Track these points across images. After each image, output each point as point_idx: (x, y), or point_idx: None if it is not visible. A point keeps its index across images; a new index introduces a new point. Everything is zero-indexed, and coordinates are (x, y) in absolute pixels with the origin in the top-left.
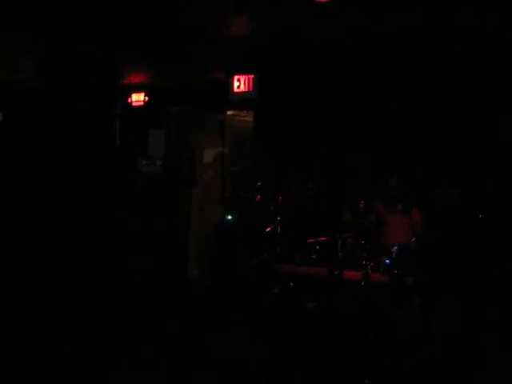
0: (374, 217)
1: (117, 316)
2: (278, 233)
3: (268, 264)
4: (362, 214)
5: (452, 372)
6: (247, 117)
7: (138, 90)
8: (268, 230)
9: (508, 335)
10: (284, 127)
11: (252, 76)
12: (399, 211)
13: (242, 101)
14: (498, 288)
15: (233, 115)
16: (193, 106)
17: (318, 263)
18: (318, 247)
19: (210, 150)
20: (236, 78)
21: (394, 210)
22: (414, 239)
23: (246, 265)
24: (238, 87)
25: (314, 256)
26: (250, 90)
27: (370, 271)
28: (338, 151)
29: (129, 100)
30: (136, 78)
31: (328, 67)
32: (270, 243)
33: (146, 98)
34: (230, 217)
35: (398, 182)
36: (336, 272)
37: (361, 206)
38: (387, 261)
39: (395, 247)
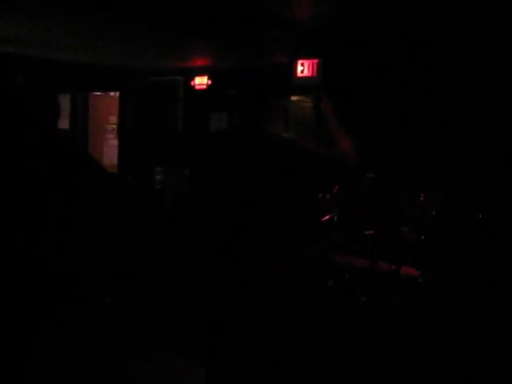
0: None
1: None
2: (334, 223)
3: (324, 255)
4: (423, 207)
5: None
6: (310, 102)
7: (201, 73)
8: (324, 219)
9: None
10: (346, 114)
11: (316, 61)
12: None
13: (305, 85)
14: None
15: (298, 100)
16: (256, 90)
17: (374, 256)
18: (377, 239)
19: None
20: (300, 62)
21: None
22: None
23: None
24: (302, 72)
25: (370, 248)
26: (314, 74)
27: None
28: (400, 140)
29: (192, 83)
30: (199, 62)
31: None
32: (326, 233)
33: (209, 82)
34: None
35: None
36: (393, 267)
37: (421, 198)
38: None
39: None
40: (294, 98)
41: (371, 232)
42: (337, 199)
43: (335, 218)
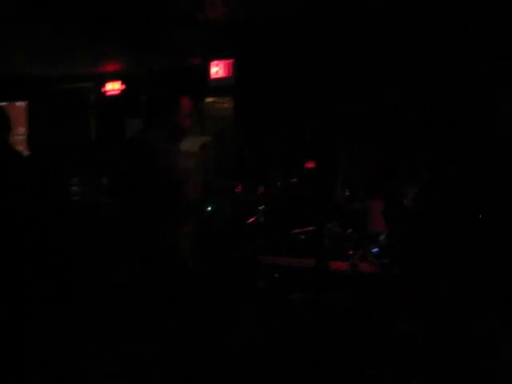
0: (361, 204)
1: None
2: (261, 223)
3: (251, 256)
4: (351, 201)
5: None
6: (226, 104)
7: (113, 79)
8: (251, 220)
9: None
10: (265, 114)
11: (231, 61)
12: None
13: (220, 87)
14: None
15: (212, 102)
16: (171, 93)
17: (303, 254)
18: (303, 237)
19: (190, 139)
20: (214, 63)
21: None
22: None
23: (227, 257)
24: (217, 73)
25: (299, 247)
26: (229, 75)
27: (357, 261)
28: (324, 137)
29: (103, 89)
30: (111, 66)
31: (310, 52)
32: (252, 235)
33: (123, 87)
34: (209, 208)
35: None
36: (323, 262)
37: (347, 193)
38: (375, 249)
39: (382, 235)
40: (209, 99)
41: (299, 230)
42: (262, 200)
43: (261, 219)
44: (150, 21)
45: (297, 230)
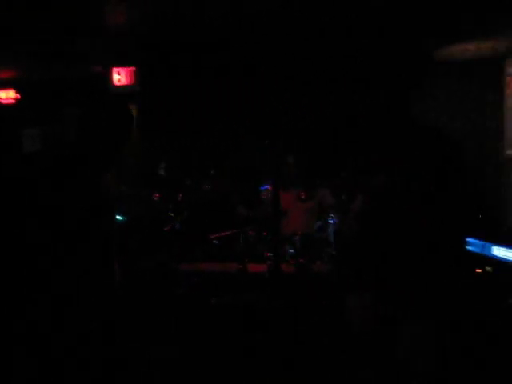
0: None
1: None
2: (177, 231)
3: (167, 264)
4: (258, 205)
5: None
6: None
7: (6, 87)
8: (166, 229)
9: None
10: (171, 121)
11: (133, 68)
12: (300, 198)
13: (123, 95)
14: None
15: None
16: (72, 101)
17: (221, 259)
18: (219, 242)
19: None
20: (116, 70)
21: (294, 198)
22: (318, 226)
23: (141, 267)
24: (119, 80)
25: (216, 252)
26: (132, 83)
27: (274, 262)
28: (228, 143)
29: None
30: (2, 73)
31: (213, 58)
32: (168, 242)
33: (18, 96)
34: (120, 217)
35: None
36: (240, 266)
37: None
38: (291, 250)
39: (297, 236)
40: None
41: (215, 235)
42: (179, 207)
43: (177, 226)
44: (47, 27)
45: (212, 236)
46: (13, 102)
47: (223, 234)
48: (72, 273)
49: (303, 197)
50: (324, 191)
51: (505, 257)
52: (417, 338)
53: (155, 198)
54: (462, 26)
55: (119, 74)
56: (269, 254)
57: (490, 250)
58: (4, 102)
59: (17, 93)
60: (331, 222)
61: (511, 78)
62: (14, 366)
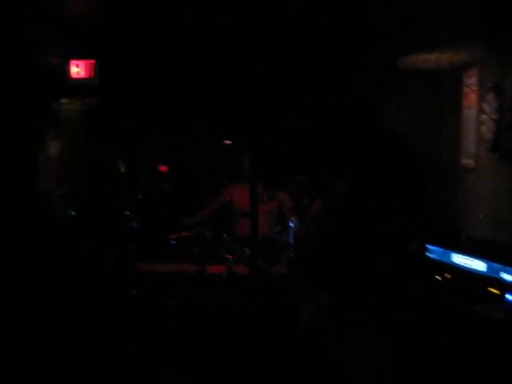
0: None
1: None
2: (134, 230)
3: (122, 264)
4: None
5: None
6: (83, 105)
7: None
8: (124, 228)
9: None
10: (129, 116)
11: (93, 61)
12: (261, 200)
13: (81, 88)
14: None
15: (68, 103)
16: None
17: (178, 260)
18: (177, 243)
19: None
20: (74, 62)
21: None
22: (278, 229)
23: (95, 266)
24: (78, 73)
25: (173, 252)
26: (91, 76)
27: (232, 264)
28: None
29: None
30: None
31: (175, 51)
32: (125, 242)
33: None
34: (73, 213)
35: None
36: (198, 268)
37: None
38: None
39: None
40: (65, 100)
41: (174, 235)
42: (137, 206)
43: (135, 225)
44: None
45: (172, 236)
46: None
47: (183, 234)
48: None
49: (265, 199)
50: (283, 194)
51: (464, 264)
52: (367, 349)
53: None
54: (425, 36)
55: (77, 67)
56: (227, 256)
57: (449, 257)
58: None
59: None
60: (291, 225)
61: (468, 90)
62: None
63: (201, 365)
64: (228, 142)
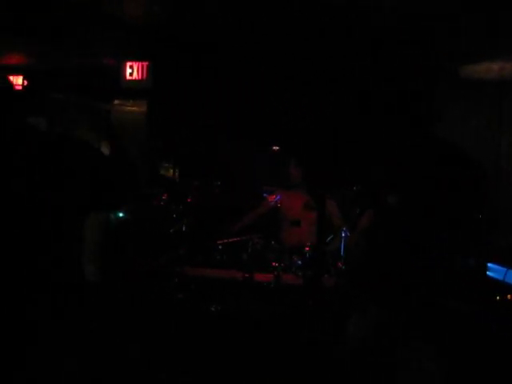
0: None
1: None
2: (183, 234)
3: (171, 267)
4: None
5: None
6: (135, 107)
7: (15, 73)
8: (172, 230)
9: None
10: (181, 119)
11: (146, 63)
12: (307, 206)
13: (134, 89)
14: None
15: (120, 105)
16: (79, 93)
17: (226, 266)
18: (227, 249)
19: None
20: (128, 64)
21: (302, 206)
22: (330, 238)
23: (142, 268)
24: (131, 75)
25: (222, 258)
26: (144, 78)
27: (280, 272)
28: (239, 144)
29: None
30: (12, 59)
31: (225, 56)
32: (173, 245)
33: (25, 82)
34: (121, 214)
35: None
36: (246, 275)
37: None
38: (299, 262)
39: (306, 248)
40: (118, 102)
41: (223, 241)
42: (187, 209)
43: (184, 228)
44: (59, 13)
45: (220, 241)
46: (20, 89)
47: (231, 240)
48: None
49: (312, 207)
50: (330, 202)
51: None
52: (417, 365)
53: (164, 198)
54: (488, 44)
55: (131, 69)
56: (275, 264)
57: None
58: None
59: (26, 80)
60: (343, 235)
61: None
62: None
63: (239, 370)
64: (276, 147)
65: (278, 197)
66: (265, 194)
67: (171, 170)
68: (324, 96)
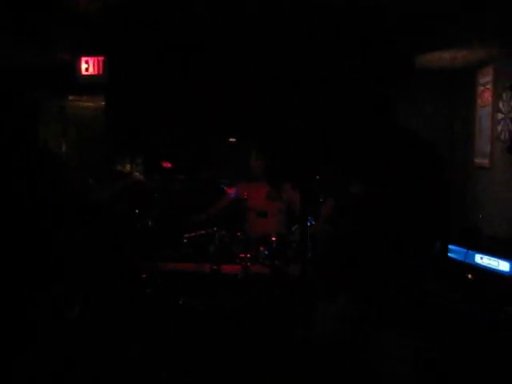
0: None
1: None
2: (148, 229)
3: (136, 262)
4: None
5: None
6: (90, 102)
7: None
8: (138, 225)
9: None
10: (139, 113)
11: (102, 58)
12: (269, 197)
13: (90, 85)
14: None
15: (73, 100)
16: (32, 88)
17: (193, 259)
18: (192, 242)
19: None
20: (84, 59)
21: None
22: (295, 227)
23: (108, 264)
24: (87, 70)
25: (188, 251)
26: (101, 72)
27: (248, 263)
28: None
29: None
30: None
31: (184, 49)
32: (138, 240)
33: None
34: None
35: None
36: (214, 267)
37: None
38: (266, 252)
39: (272, 238)
40: (73, 97)
41: (191, 235)
42: (154, 205)
43: (149, 223)
44: (10, 6)
45: (187, 235)
46: None
47: (198, 233)
48: None
49: (273, 197)
50: (291, 192)
51: (487, 265)
52: (390, 349)
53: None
54: (440, 34)
55: (87, 63)
56: (243, 255)
57: (472, 257)
58: None
59: None
60: (308, 224)
61: (483, 89)
62: None
63: (210, 365)
64: (233, 139)
65: (236, 189)
66: (222, 186)
67: (128, 166)
68: (287, 86)
